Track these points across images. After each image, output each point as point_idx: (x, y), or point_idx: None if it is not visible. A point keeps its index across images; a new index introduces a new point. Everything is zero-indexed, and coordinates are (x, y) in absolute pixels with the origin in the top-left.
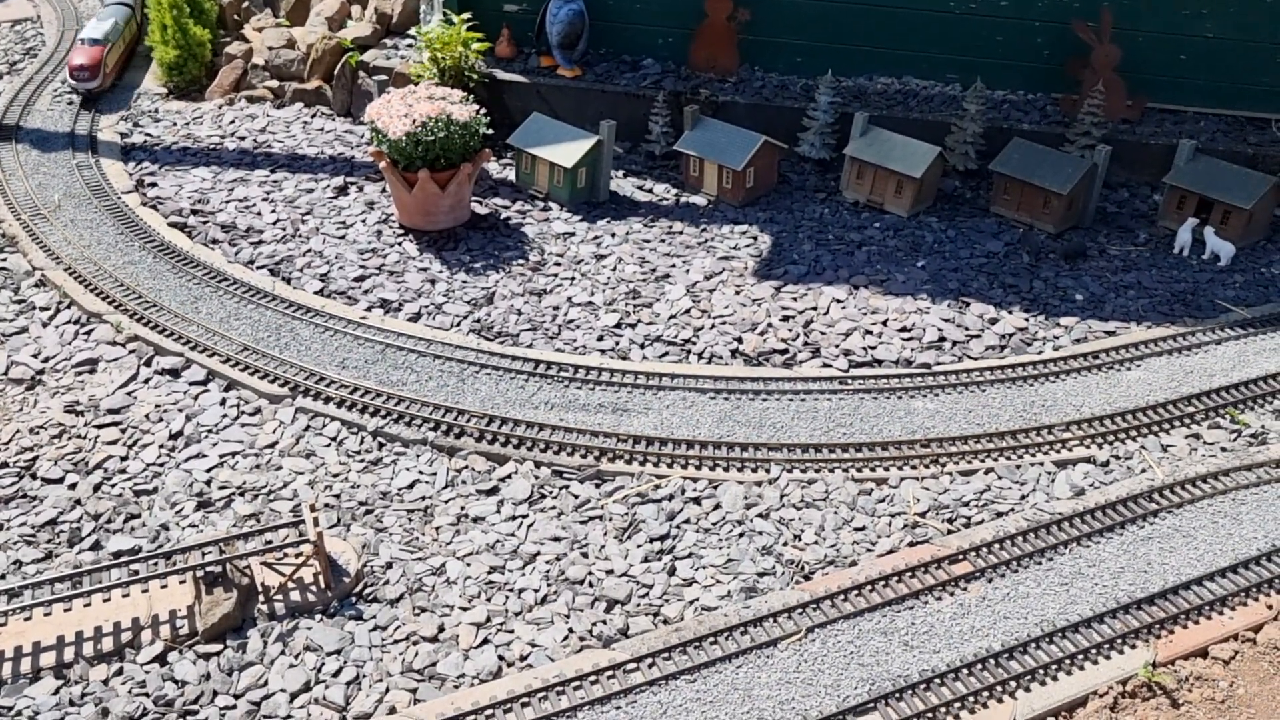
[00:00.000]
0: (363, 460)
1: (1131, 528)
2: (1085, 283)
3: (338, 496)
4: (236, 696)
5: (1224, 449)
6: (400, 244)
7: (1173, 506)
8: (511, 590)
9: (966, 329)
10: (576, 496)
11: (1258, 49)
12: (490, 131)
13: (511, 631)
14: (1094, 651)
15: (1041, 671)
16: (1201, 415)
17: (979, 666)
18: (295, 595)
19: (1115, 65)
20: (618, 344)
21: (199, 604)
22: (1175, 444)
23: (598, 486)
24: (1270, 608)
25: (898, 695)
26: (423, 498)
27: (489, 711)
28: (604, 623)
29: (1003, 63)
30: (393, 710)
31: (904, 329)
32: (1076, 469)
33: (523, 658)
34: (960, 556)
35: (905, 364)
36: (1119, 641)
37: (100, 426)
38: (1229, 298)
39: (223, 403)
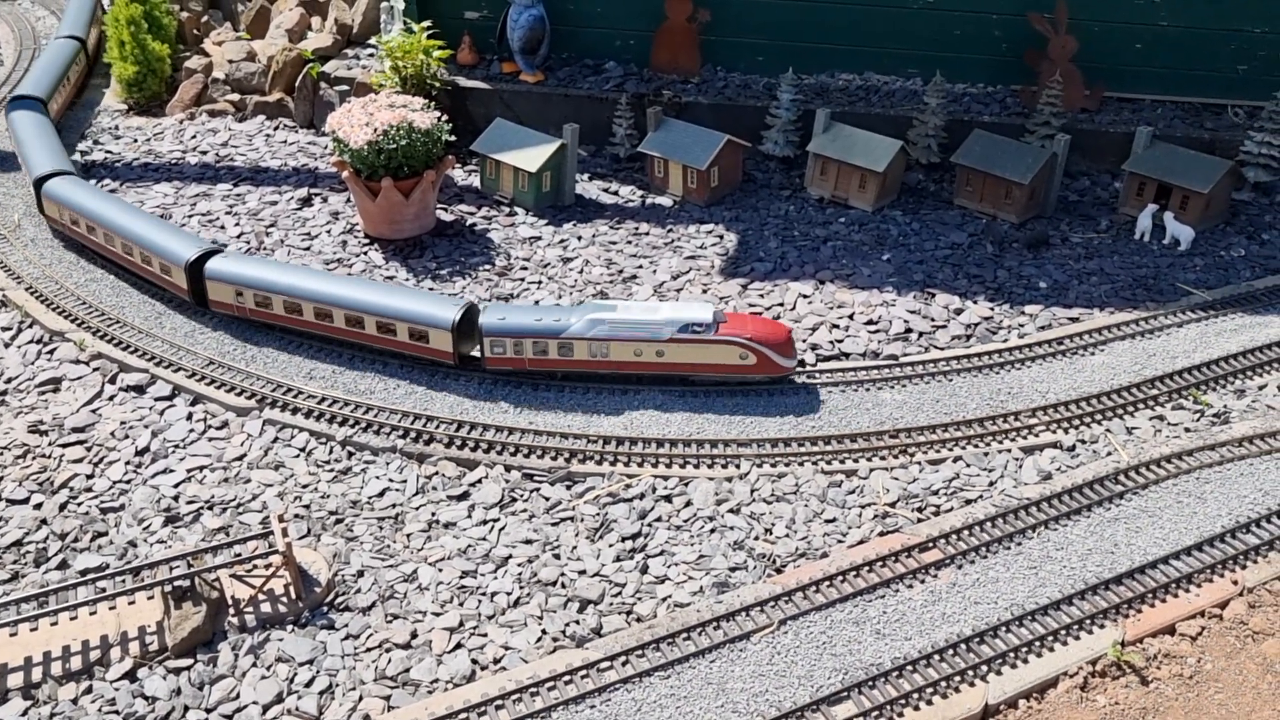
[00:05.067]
0: (332, 470)
1: (1098, 510)
2: (1048, 270)
3: (307, 507)
4: (208, 711)
5: (1188, 429)
6: (366, 253)
7: (1138, 488)
8: (484, 594)
9: (932, 320)
10: (547, 499)
11: (1211, 36)
12: (453, 138)
13: (485, 635)
14: (1063, 633)
15: (1012, 654)
16: (1165, 397)
17: (950, 652)
18: (266, 607)
19: (1072, 56)
20: None
21: (168, 619)
22: (1140, 426)
23: (568, 488)
24: (1236, 583)
25: (870, 683)
26: (393, 505)
27: (463, 715)
28: (577, 623)
29: (962, 56)
30: (367, 718)
31: (870, 321)
32: (1043, 454)
33: (496, 660)
34: (930, 544)
35: (873, 356)
36: (1088, 622)
37: (65, 445)
38: (1190, 281)
39: (189, 417)
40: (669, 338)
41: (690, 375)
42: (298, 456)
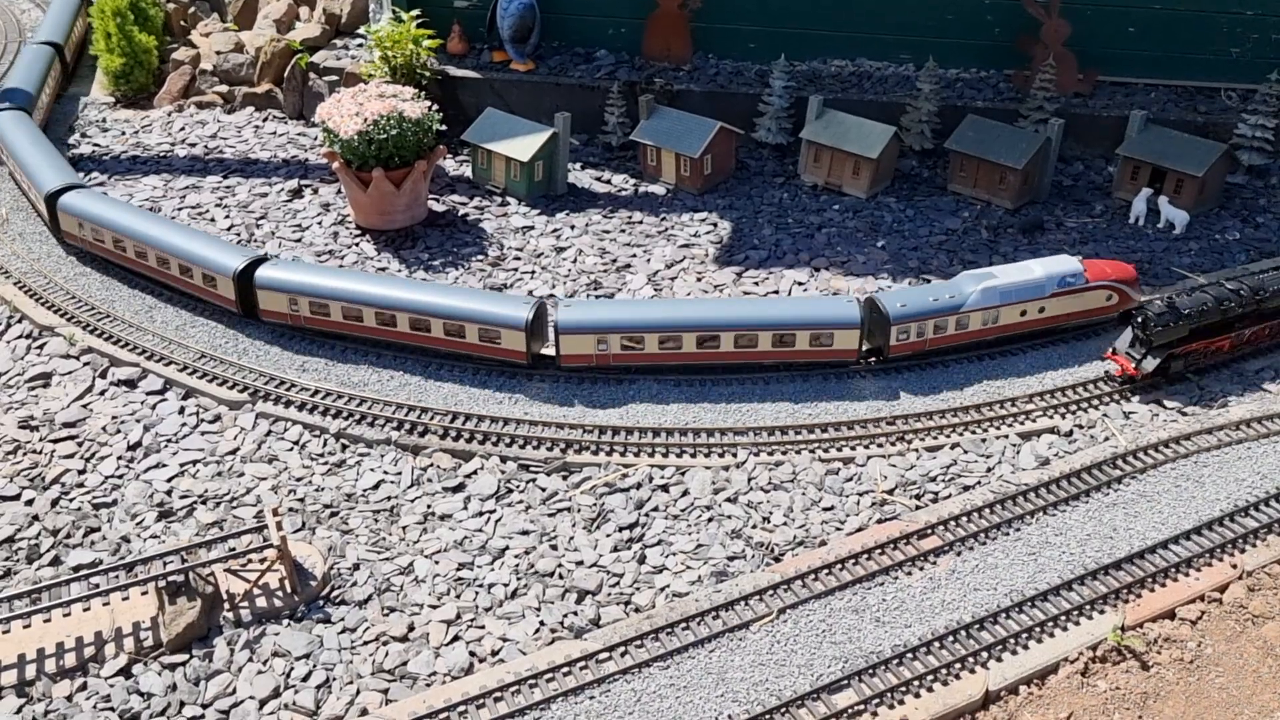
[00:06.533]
0: (326, 463)
1: (1097, 495)
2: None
3: (302, 500)
4: (204, 706)
5: (1185, 413)
6: (358, 244)
7: (1136, 472)
8: (481, 586)
9: None
10: (544, 489)
11: (1205, 19)
12: (444, 128)
13: (482, 627)
14: (1063, 618)
15: (1012, 641)
16: (1162, 381)
17: (950, 639)
18: (261, 601)
19: (1065, 40)
20: None
21: (163, 614)
22: (1137, 411)
23: (565, 478)
24: (1235, 567)
25: (870, 671)
26: (388, 498)
27: (461, 708)
28: (575, 614)
29: (955, 41)
30: (364, 712)
31: None
32: (1041, 439)
33: (494, 653)
34: (929, 531)
35: None
36: (1088, 607)
37: (56, 440)
38: (1185, 265)
39: (181, 411)
40: (1051, 293)
41: (1060, 326)
42: (291, 450)
